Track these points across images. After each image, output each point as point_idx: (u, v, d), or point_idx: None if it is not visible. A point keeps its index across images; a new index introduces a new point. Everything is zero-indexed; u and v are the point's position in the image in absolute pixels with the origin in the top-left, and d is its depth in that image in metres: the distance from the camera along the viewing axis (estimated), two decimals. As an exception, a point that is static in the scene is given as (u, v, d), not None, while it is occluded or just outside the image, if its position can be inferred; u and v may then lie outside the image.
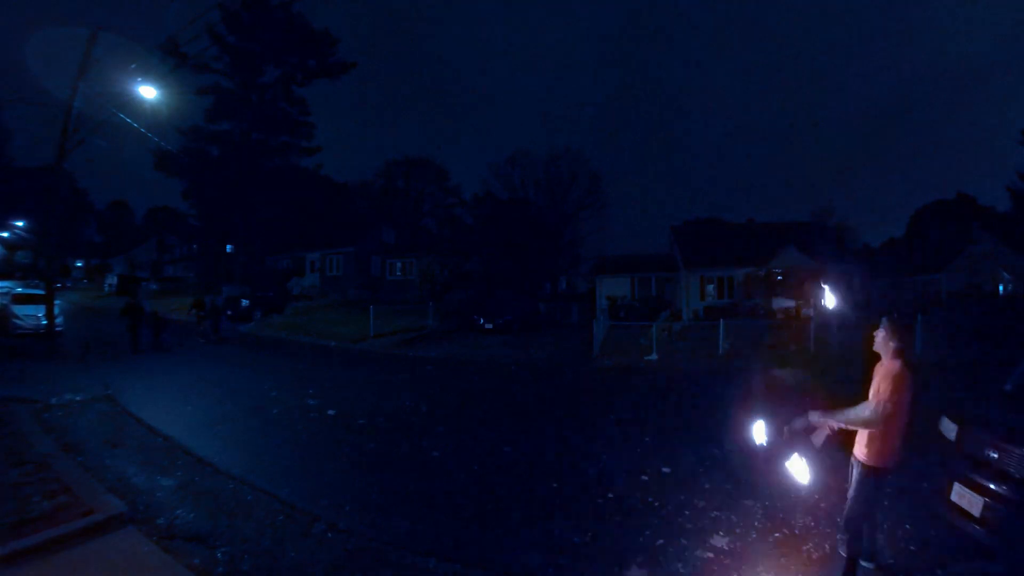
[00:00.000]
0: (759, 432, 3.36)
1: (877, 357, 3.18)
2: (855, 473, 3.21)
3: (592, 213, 43.42)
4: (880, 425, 2.96)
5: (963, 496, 3.35)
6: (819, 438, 3.21)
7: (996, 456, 3.28)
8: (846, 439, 3.28)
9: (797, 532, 3.90)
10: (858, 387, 3.34)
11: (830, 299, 3.64)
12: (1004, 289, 26.16)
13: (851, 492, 3.24)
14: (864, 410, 2.99)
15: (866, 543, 3.29)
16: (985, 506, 3.17)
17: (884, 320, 3.14)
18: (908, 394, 2.97)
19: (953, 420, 3.79)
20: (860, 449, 3.15)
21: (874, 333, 3.17)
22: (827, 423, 3.09)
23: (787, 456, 3.26)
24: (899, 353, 3.04)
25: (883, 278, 30.59)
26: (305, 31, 35.88)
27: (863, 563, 3.26)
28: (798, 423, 3.19)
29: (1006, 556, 3.07)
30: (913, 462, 4.76)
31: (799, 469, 3.23)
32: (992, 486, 3.18)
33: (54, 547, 3.37)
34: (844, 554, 3.34)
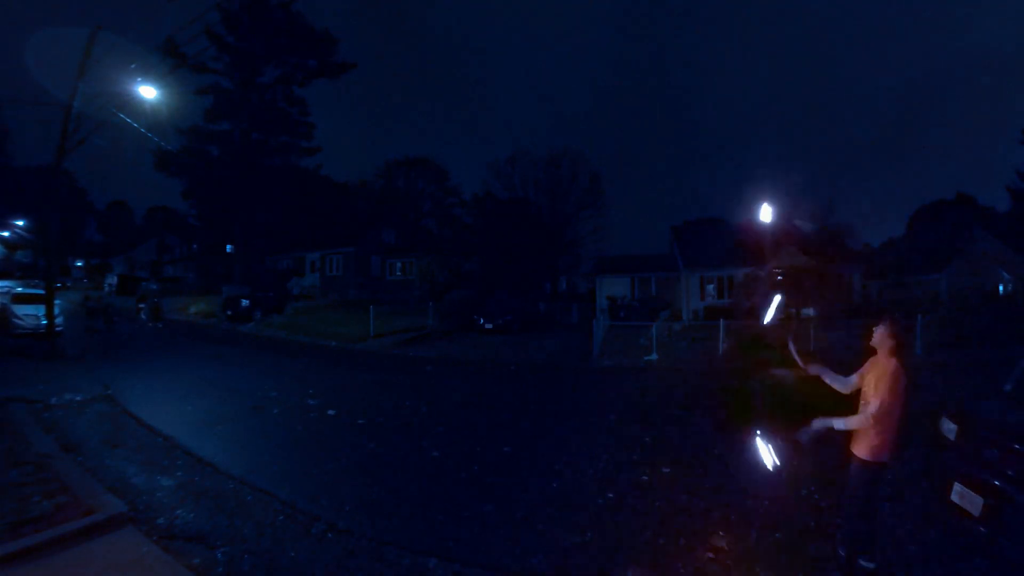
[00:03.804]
0: (766, 454, 3.44)
1: (872, 351, 3.27)
2: (852, 468, 3.26)
3: (592, 213, 43.37)
4: (877, 422, 3.05)
5: (963, 496, 3.35)
6: (805, 435, 3.29)
7: (996, 456, 3.28)
8: (844, 437, 3.32)
9: (797, 532, 3.90)
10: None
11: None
12: (1004, 289, 26.14)
13: (848, 488, 3.29)
14: (865, 411, 3.09)
15: (865, 542, 3.30)
16: (985, 506, 3.17)
17: (886, 318, 3.23)
18: (904, 391, 3.06)
19: (953, 420, 3.80)
20: (857, 445, 3.21)
21: (874, 328, 3.25)
22: (829, 427, 3.17)
23: (754, 441, 3.43)
24: (896, 351, 3.13)
25: (883, 278, 30.56)
26: (305, 31, 35.87)
27: (863, 563, 3.26)
28: (804, 435, 3.25)
29: (1006, 555, 3.07)
30: (913, 462, 4.78)
31: (764, 451, 3.41)
32: (992, 486, 3.18)
33: (54, 547, 3.37)
34: (843, 553, 3.34)
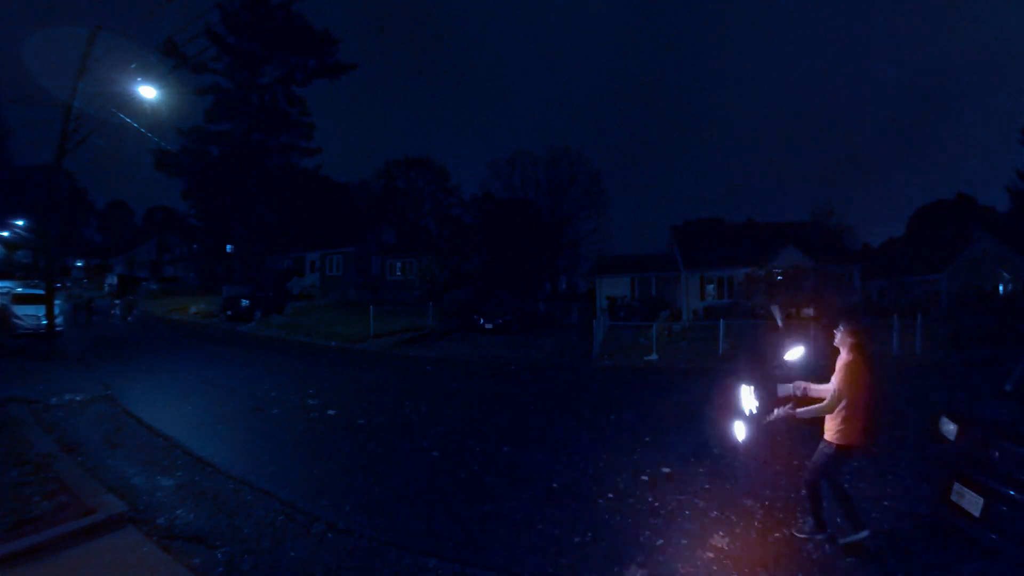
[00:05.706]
0: (747, 401, 3.72)
1: (838, 352, 3.60)
2: (819, 447, 3.59)
3: (592, 213, 43.52)
4: (838, 409, 3.40)
5: (963, 496, 3.35)
6: (772, 416, 3.61)
7: (996, 456, 3.28)
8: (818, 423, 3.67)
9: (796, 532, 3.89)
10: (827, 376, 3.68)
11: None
12: (1004, 289, 26.15)
13: (812, 461, 3.64)
14: (827, 402, 3.45)
15: (850, 519, 3.53)
16: (985, 506, 3.17)
17: (842, 321, 3.58)
18: (864, 381, 3.39)
19: (953, 420, 3.79)
20: (827, 431, 3.54)
21: (834, 331, 3.58)
22: (804, 415, 3.53)
23: (733, 422, 3.77)
24: (854, 348, 3.46)
25: (883, 278, 30.57)
26: (305, 31, 35.91)
27: (856, 536, 3.47)
28: (778, 414, 3.60)
29: (1006, 556, 3.07)
30: (913, 462, 4.78)
31: (739, 431, 3.72)
32: (992, 486, 3.18)
33: (54, 547, 3.37)
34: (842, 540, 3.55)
